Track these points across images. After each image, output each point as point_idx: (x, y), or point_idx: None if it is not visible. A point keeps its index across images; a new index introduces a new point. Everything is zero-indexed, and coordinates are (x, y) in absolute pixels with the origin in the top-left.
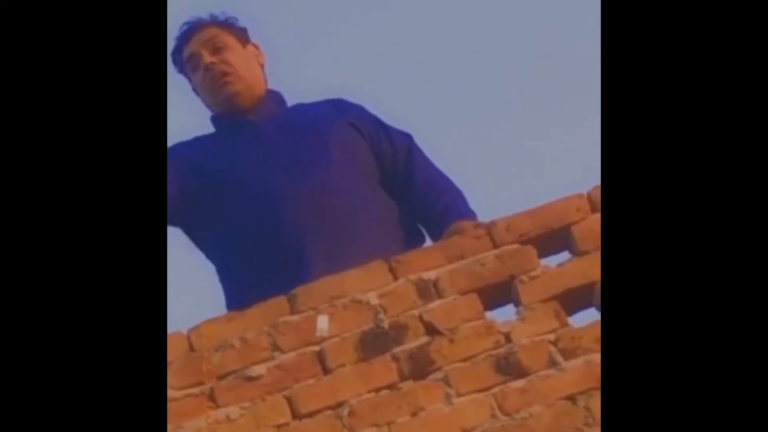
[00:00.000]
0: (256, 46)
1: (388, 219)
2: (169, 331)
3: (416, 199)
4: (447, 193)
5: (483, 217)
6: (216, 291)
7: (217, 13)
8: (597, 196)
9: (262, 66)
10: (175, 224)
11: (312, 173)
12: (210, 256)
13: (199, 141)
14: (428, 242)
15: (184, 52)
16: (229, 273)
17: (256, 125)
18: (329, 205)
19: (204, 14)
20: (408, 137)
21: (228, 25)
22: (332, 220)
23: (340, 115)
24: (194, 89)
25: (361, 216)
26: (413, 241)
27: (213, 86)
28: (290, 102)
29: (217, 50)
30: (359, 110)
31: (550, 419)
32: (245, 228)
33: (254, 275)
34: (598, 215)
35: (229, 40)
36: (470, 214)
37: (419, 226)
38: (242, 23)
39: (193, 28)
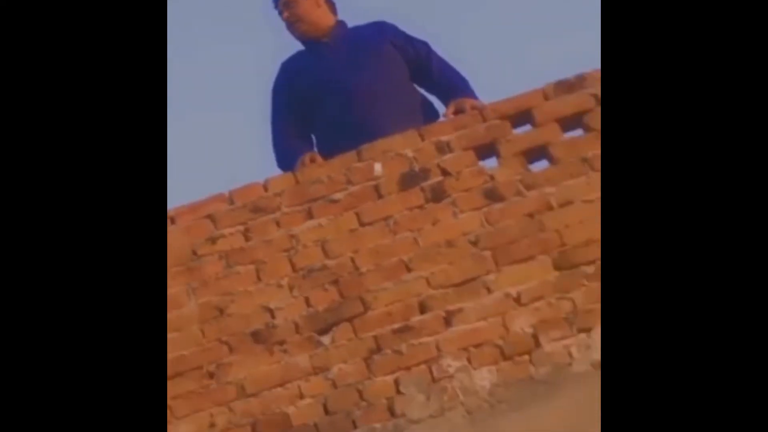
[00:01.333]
0: None
1: (417, 103)
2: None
3: (434, 84)
4: (456, 79)
5: (479, 93)
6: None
7: None
8: (550, 90)
9: (325, 2)
10: (290, 107)
11: (369, 73)
12: (311, 125)
13: (300, 55)
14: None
15: (278, 8)
16: (323, 133)
17: (329, 45)
18: (381, 93)
19: None
20: (426, 45)
21: None
22: (383, 103)
23: (382, 34)
24: None
25: (400, 101)
26: (432, 115)
27: (290, 30)
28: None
29: (288, 6)
30: (393, 29)
31: (517, 228)
32: (332, 106)
33: (337, 136)
34: (550, 102)
35: None
36: (471, 92)
37: (433, 105)
38: None
39: None
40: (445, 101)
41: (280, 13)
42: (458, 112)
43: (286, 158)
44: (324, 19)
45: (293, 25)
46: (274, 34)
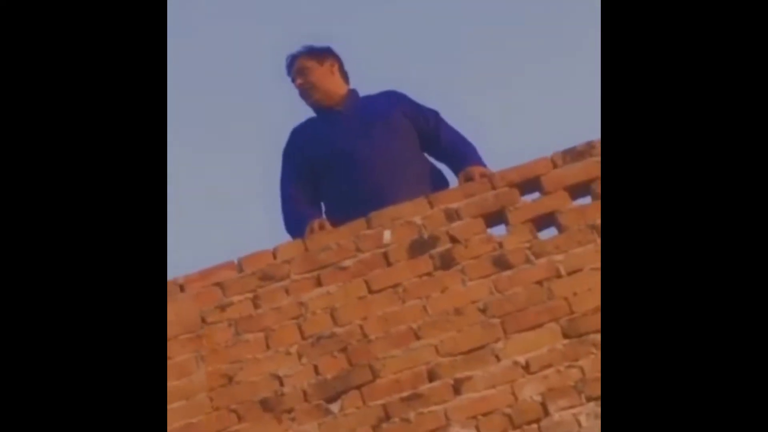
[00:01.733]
0: (332, 58)
1: (426, 171)
2: (284, 241)
3: (443, 152)
4: (463, 146)
5: (488, 160)
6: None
7: (307, 45)
8: (558, 158)
9: (338, 71)
10: (301, 177)
11: (380, 142)
12: (321, 192)
13: (312, 122)
14: (452, 183)
15: (290, 75)
16: (333, 200)
17: (341, 113)
18: (392, 162)
19: (299, 47)
20: (435, 113)
21: (311, 52)
22: (393, 172)
23: (393, 104)
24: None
25: (410, 170)
26: (441, 183)
27: (303, 97)
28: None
29: (301, 74)
30: (404, 98)
31: (526, 295)
32: (343, 175)
33: (347, 205)
34: (558, 170)
35: (311, 64)
36: (479, 160)
37: (442, 173)
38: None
39: (290, 62)
40: (454, 169)
41: (293, 80)
42: (468, 180)
43: (295, 224)
44: (337, 87)
45: (306, 92)
46: (286, 98)
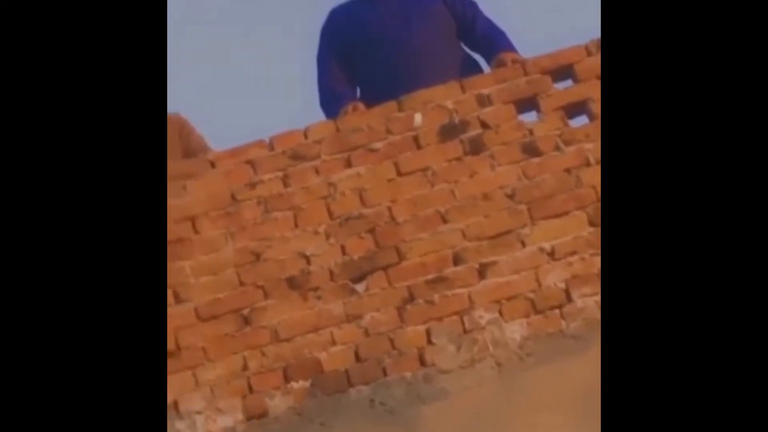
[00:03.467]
0: None
1: (461, 60)
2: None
3: (477, 42)
4: (497, 35)
5: (520, 50)
6: None
7: None
8: (593, 47)
9: None
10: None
11: (418, 28)
12: (359, 73)
13: (351, 4)
14: (485, 70)
15: None
16: (368, 83)
17: None
18: (429, 48)
19: None
20: (474, 5)
21: None
22: (430, 58)
23: None
24: None
25: (447, 57)
26: (475, 69)
27: None
28: None
29: None
30: None
31: (554, 182)
32: (380, 58)
33: (383, 88)
34: (592, 58)
35: None
36: (511, 48)
37: (478, 63)
38: None
39: None
40: (487, 58)
41: None
42: (500, 66)
43: (329, 102)
44: None
45: None
46: None
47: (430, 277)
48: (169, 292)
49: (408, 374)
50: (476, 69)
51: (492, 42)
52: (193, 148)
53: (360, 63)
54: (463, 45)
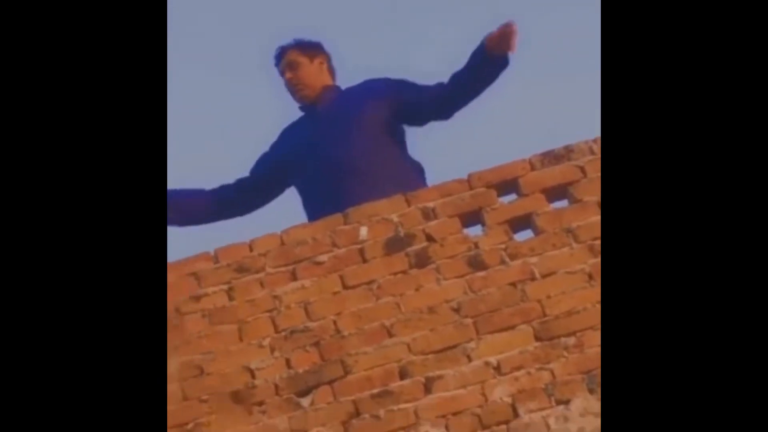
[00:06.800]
0: (322, 55)
1: (403, 166)
2: (261, 234)
3: (435, 100)
4: (448, 80)
5: (466, 162)
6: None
7: (299, 39)
8: (536, 161)
9: (327, 68)
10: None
11: (352, 143)
12: (299, 191)
13: (297, 122)
14: (429, 183)
15: (279, 67)
16: (309, 202)
17: (318, 111)
18: (367, 164)
19: (289, 40)
20: (404, 81)
21: (302, 46)
22: (367, 169)
23: (368, 97)
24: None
25: (386, 167)
26: (419, 176)
27: (291, 92)
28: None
29: (292, 68)
30: (378, 84)
31: (499, 296)
32: (316, 176)
33: (323, 203)
34: (536, 173)
35: (302, 59)
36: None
37: (422, 169)
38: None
39: (280, 53)
40: (459, 92)
41: (282, 73)
42: (502, 35)
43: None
44: (324, 83)
45: (295, 87)
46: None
47: (375, 391)
48: None
49: None
50: (419, 177)
51: (451, 83)
52: None
53: (300, 180)
54: (427, 113)
